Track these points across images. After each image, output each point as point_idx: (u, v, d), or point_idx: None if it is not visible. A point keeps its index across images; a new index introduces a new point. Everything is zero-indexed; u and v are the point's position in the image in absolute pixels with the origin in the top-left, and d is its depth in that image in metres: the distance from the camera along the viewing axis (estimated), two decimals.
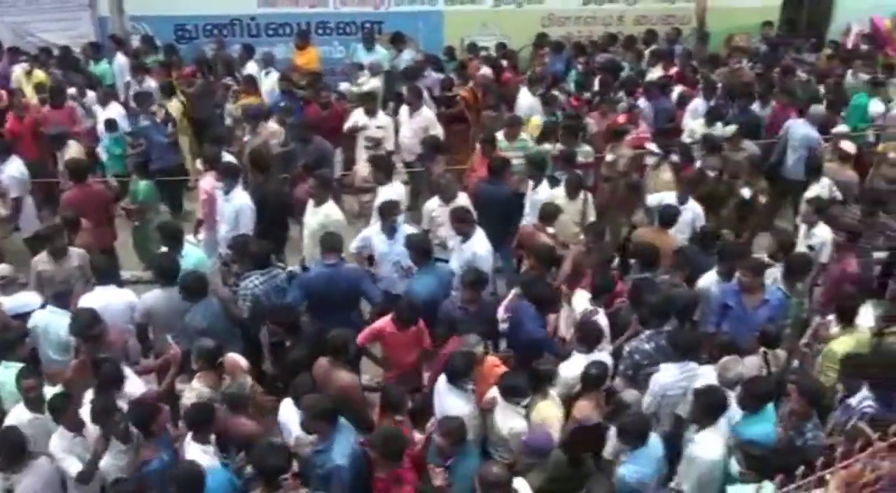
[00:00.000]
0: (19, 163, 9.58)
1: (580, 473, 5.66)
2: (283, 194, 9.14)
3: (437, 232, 8.53)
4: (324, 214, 8.28)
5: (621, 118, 10.64)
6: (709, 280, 7.56)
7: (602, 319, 6.98)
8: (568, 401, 6.29)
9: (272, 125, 10.53)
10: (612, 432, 5.86)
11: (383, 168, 9.06)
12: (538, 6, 15.45)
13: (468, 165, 10.30)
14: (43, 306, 7.08)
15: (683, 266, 7.62)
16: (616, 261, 8.97)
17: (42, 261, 7.66)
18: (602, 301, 7.17)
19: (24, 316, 7.03)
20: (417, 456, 5.75)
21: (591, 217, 8.89)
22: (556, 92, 11.62)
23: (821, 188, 9.24)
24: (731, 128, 10.20)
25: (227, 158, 9.29)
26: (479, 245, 7.85)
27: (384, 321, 6.91)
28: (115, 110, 11.32)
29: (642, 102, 11.40)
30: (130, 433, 5.73)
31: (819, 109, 11.31)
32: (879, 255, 9.45)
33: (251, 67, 12.92)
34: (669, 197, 8.74)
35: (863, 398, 6.02)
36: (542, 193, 8.90)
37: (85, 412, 5.76)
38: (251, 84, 11.99)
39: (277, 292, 7.35)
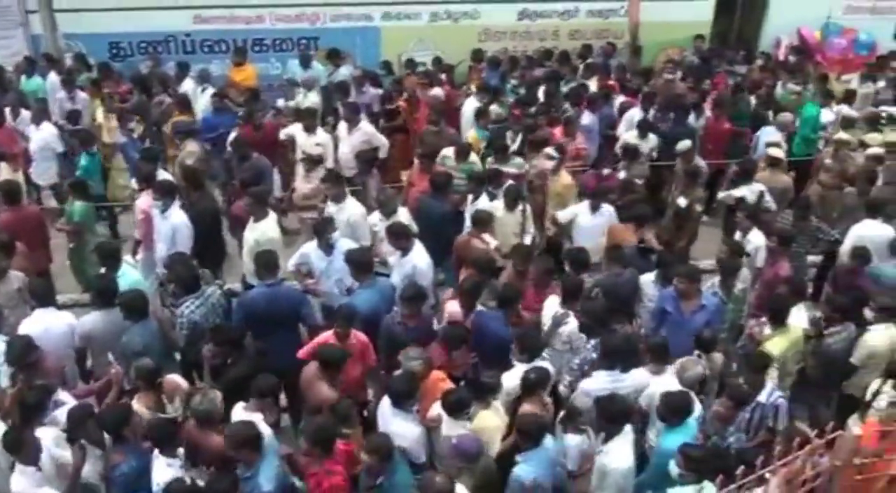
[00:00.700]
0: None
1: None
2: (217, 211, 9.04)
3: (378, 246, 8.51)
4: (260, 230, 8.24)
5: (558, 131, 10.76)
6: (645, 279, 7.80)
7: (573, 322, 7.05)
8: (513, 410, 6.30)
9: (191, 144, 10.39)
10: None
11: (337, 184, 8.89)
12: (474, 21, 15.63)
13: (407, 178, 10.31)
14: None
15: (619, 260, 7.83)
16: None
17: None
18: (570, 306, 7.21)
19: None
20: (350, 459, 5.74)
21: (531, 228, 8.98)
22: (495, 106, 11.73)
23: (749, 192, 9.49)
24: (686, 143, 10.36)
25: (163, 175, 9.16)
26: (419, 259, 7.85)
27: (325, 335, 6.85)
28: (47, 130, 11.12)
29: (587, 114, 11.58)
30: (104, 440, 5.71)
31: (787, 116, 11.67)
32: (815, 258, 9.72)
33: (188, 84, 12.78)
34: (582, 209, 8.93)
35: (771, 392, 6.18)
36: (481, 205, 8.94)
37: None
38: (184, 102, 11.83)
39: (215, 311, 7.26)
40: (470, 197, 9.26)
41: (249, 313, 7.21)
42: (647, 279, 7.83)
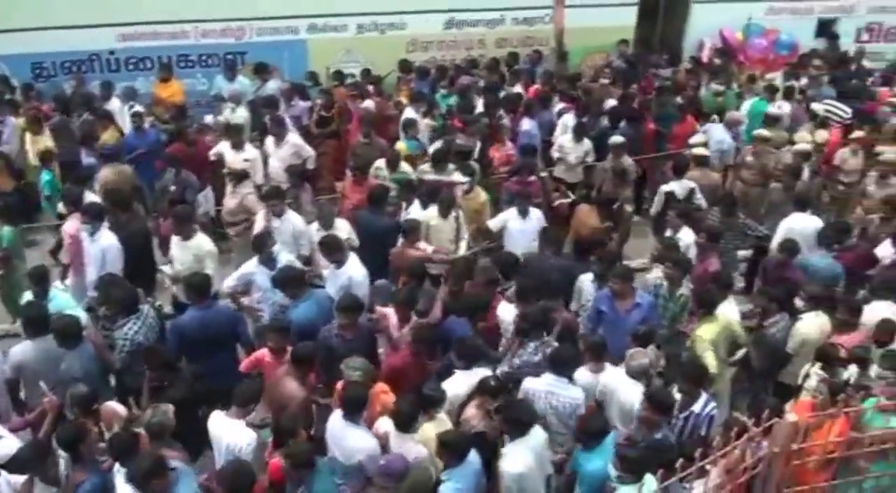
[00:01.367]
0: None
1: None
2: (147, 231, 8.91)
3: (316, 257, 8.49)
4: (195, 246, 8.17)
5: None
6: (584, 279, 7.94)
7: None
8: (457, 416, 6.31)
9: (111, 167, 10.13)
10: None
11: (280, 199, 8.83)
12: (400, 32, 15.63)
13: (341, 189, 10.31)
14: None
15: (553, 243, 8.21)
16: None
17: None
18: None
19: None
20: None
21: (465, 235, 9.05)
22: (428, 119, 11.80)
23: (679, 187, 9.73)
24: (618, 139, 10.60)
25: (91, 198, 9.00)
26: (354, 270, 7.83)
27: (263, 351, 6.81)
28: None
29: (526, 120, 11.74)
30: (59, 477, 5.58)
31: (736, 114, 12.09)
32: (745, 253, 9.95)
33: (114, 103, 12.56)
34: (511, 215, 9.09)
35: (706, 403, 6.21)
36: (414, 214, 9.00)
37: None
38: (108, 118, 11.65)
39: (153, 330, 7.13)
40: (403, 204, 9.27)
41: (183, 336, 7.09)
42: (587, 278, 7.93)
